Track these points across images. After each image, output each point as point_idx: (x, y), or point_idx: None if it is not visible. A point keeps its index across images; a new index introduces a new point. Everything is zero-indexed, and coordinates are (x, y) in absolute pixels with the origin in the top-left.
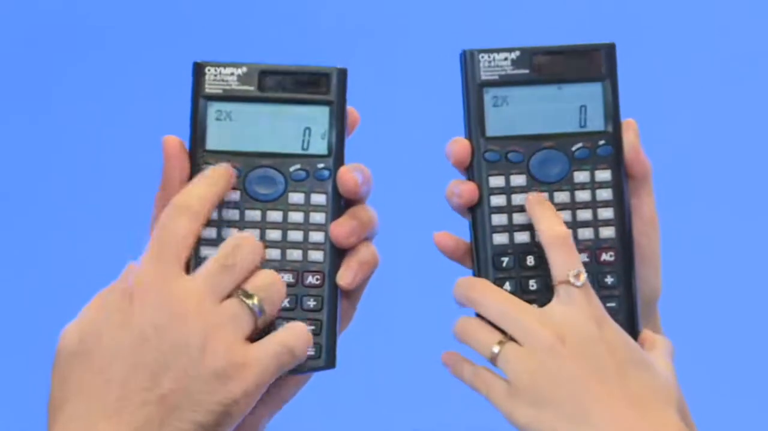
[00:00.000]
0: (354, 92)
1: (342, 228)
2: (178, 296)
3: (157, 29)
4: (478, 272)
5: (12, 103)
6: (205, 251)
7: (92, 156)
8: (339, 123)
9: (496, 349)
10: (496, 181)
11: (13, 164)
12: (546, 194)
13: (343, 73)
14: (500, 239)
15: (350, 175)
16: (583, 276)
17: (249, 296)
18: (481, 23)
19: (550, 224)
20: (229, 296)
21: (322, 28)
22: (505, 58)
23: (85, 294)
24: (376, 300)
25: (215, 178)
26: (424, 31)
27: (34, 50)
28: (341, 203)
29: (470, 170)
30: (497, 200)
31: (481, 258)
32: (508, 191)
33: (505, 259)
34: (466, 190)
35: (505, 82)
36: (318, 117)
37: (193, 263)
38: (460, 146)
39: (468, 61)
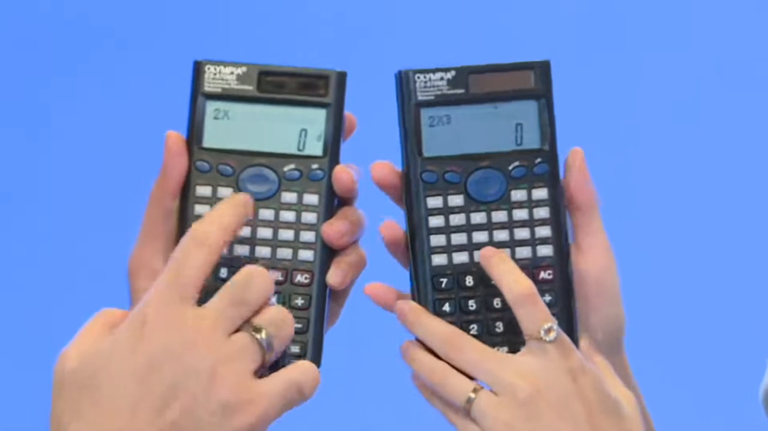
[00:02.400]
0: (350, 95)
1: (335, 228)
2: (190, 325)
3: (156, 28)
4: (417, 293)
5: (12, 103)
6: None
7: (90, 154)
8: (335, 125)
9: (472, 395)
10: (434, 201)
11: (12, 164)
12: (484, 214)
13: (342, 77)
14: (439, 260)
15: (346, 172)
16: (554, 332)
17: (258, 330)
18: (477, 33)
19: (512, 280)
20: (238, 329)
21: (323, 31)
22: (441, 78)
23: (82, 294)
24: (362, 300)
25: (237, 207)
26: (425, 37)
27: (32, 50)
28: (333, 204)
29: (407, 191)
30: (435, 221)
31: (420, 279)
32: (446, 211)
33: (444, 280)
34: (388, 226)
35: (441, 102)
36: (315, 119)
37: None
38: (382, 168)
39: (404, 81)
